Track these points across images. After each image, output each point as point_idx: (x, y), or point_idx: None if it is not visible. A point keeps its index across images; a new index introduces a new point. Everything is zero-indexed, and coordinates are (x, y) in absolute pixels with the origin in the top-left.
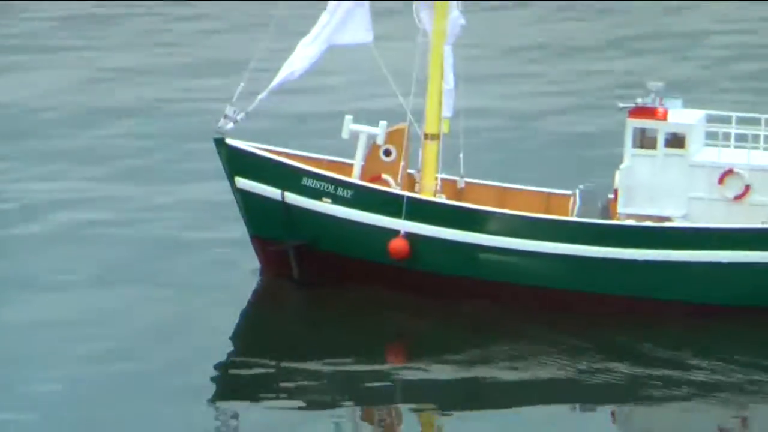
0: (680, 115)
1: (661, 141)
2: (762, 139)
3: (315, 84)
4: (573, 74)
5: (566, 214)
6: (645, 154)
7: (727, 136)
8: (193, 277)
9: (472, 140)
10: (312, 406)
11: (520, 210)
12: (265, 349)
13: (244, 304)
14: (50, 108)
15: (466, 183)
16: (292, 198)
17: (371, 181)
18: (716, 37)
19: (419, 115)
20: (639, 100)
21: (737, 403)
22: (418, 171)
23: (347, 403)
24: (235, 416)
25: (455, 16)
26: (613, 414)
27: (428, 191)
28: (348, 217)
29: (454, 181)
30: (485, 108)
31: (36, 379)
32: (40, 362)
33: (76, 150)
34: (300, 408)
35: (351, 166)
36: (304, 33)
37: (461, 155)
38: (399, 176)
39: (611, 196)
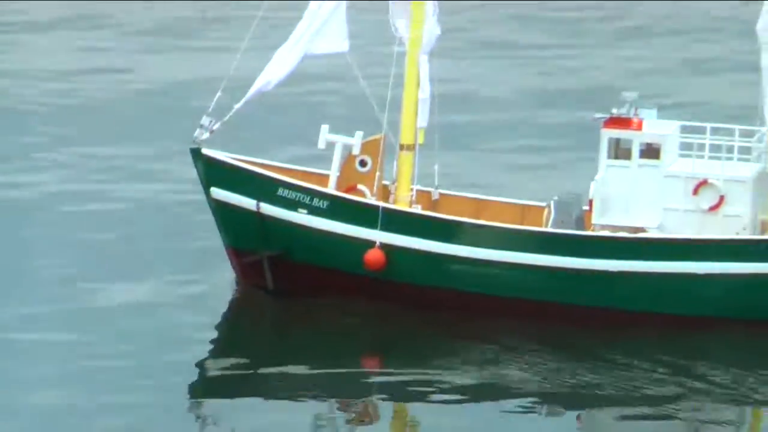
0: (655, 126)
1: (635, 151)
2: (736, 149)
3: (291, 93)
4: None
5: (541, 225)
6: (620, 165)
7: (701, 147)
8: (168, 285)
9: (447, 150)
10: (287, 409)
11: (496, 221)
12: (239, 358)
13: (219, 313)
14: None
15: (441, 194)
16: (268, 208)
17: (347, 191)
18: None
19: (395, 126)
20: (614, 111)
21: (714, 409)
22: (394, 182)
23: (322, 406)
24: (212, 422)
25: (431, 24)
26: (578, 418)
27: (403, 202)
28: (324, 228)
29: (429, 192)
30: (462, 114)
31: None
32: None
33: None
34: (275, 412)
35: (327, 176)
36: (281, 41)
37: (436, 166)
38: (374, 187)
39: (586, 207)
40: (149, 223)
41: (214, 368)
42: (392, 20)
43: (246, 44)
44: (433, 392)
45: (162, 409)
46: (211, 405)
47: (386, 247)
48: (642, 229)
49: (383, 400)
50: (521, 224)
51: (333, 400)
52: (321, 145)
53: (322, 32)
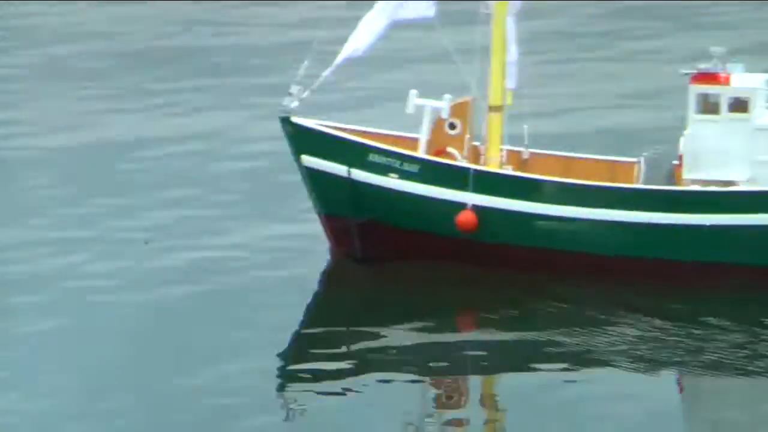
0: (743, 80)
1: (724, 106)
2: None
3: (378, 59)
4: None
5: (632, 182)
6: (708, 120)
7: None
8: (261, 254)
9: (535, 110)
10: (381, 377)
11: (586, 179)
12: (332, 326)
13: (313, 280)
14: None
15: (531, 153)
16: (359, 174)
17: (437, 154)
18: None
19: (483, 89)
20: (701, 66)
21: None
22: (483, 144)
23: (415, 372)
24: (307, 390)
25: None
26: (678, 381)
27: (494, 163)
28: (415, 192)
29: (519, 152)
30: (546, 77)
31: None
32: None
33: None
34: (369, 380)
35: (416, 140)
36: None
37: (525, 126)
38: (464, 149)
39: (676, 162)
40: (241, 190)
41: (305, 336)
42: None
43: (331, 13)
44: (523, 354)
45: (258, 374)
46: (303, 371)
47: (478, 209)
48: (733, 183)
49: (475, 368)
50: (611, 181)
51: (429, 368)
52: (410, 109)
53: None
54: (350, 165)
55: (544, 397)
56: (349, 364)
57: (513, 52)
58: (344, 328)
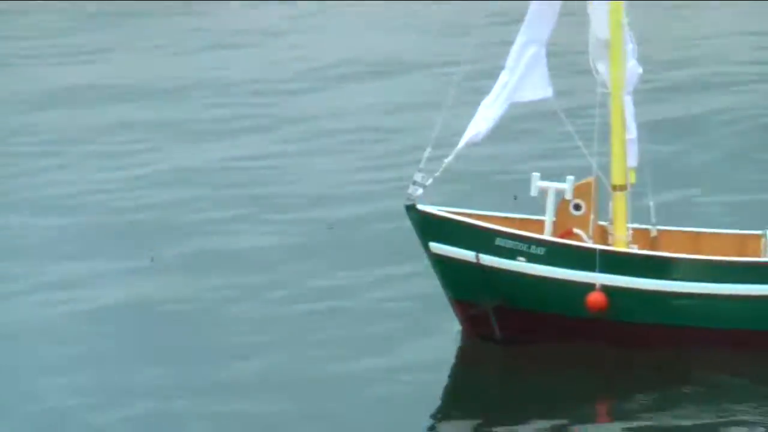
0: None
1: None
2: None
3: (494, 142)
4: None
5: (758, 255)
6: None
7: None
8: (395, 336)
9: (659, 186)
10: None
11: (715, 254)
12: (471, 405)
13: (448, 363)
14: None
15: (659, 231)
16: (487, 259)
17: (563, 236)
18: None
19: (604, 168)
20: None
21: None
22: (610, 222)
23: None
24: None
25: (632, 64)
26: None
27: (621, 242)
28: (543, 274)
29: (647, 230)
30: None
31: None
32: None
33: None
34: None
35: (539, 222)
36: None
37: (651, 203)
38: (590, 229)
39: None
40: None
41: (445, 417)
42: (593, 63)
43: (448, 101)
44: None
45: None
46: None
47: (607, 289)
48: None
49: None
50: (742, 255)
51: None
52: (533, 192)
53: (525, 80)
54: (478, 250)
55: None
56: None
57: (632, 130)
58: (479, 408)
